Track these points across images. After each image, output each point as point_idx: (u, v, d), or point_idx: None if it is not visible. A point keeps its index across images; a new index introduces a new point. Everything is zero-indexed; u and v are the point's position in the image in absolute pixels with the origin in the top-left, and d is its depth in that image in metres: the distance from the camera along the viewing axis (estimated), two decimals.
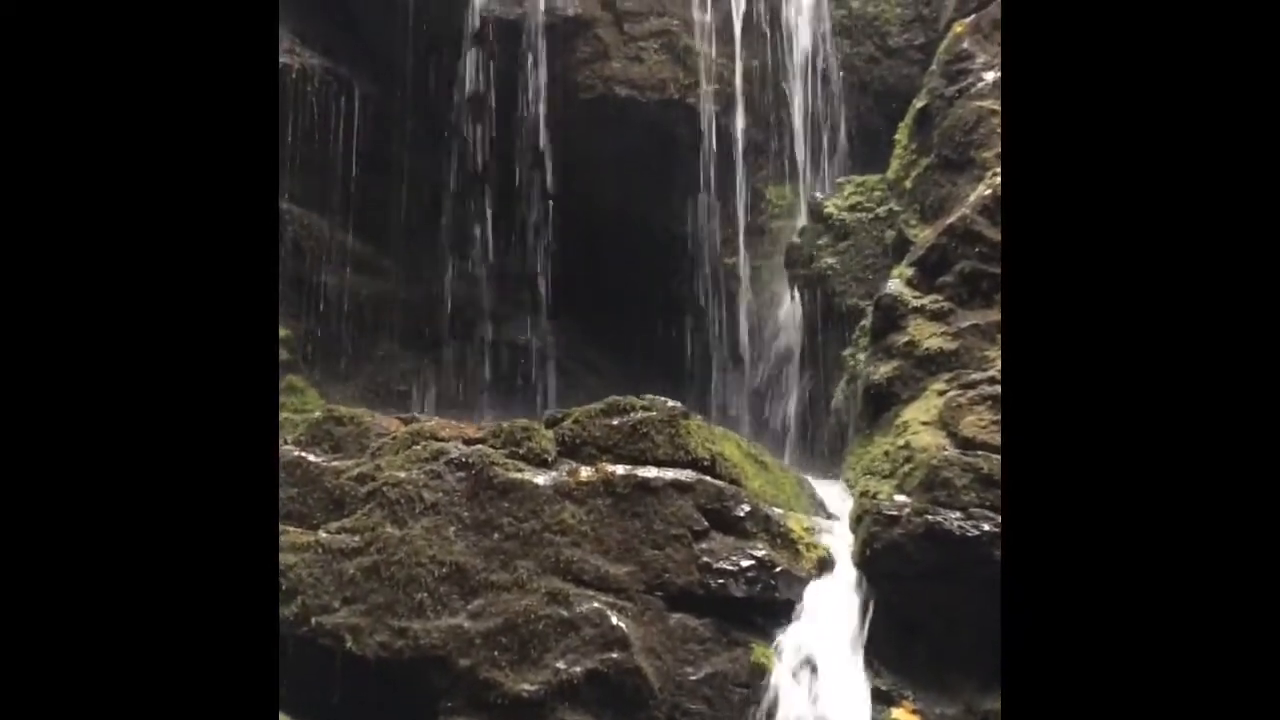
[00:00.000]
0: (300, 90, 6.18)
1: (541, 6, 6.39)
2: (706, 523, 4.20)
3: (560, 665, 3.91)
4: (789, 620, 4.12)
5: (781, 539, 4.26)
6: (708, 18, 6.43)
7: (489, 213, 6.49)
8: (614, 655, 3.93)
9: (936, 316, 4.72)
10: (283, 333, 6.02)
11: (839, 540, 4.40)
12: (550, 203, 6.47)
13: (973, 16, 5.40)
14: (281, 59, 6.15)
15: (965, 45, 5.31)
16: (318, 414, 4.65)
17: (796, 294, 5.96)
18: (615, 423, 4.42)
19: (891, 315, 4.83)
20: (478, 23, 6.37)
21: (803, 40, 6.46)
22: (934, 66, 5.52)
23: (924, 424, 4.44)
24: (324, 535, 4.21)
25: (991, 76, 5.11)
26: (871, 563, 4.18)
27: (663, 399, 4.48)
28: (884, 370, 4.76)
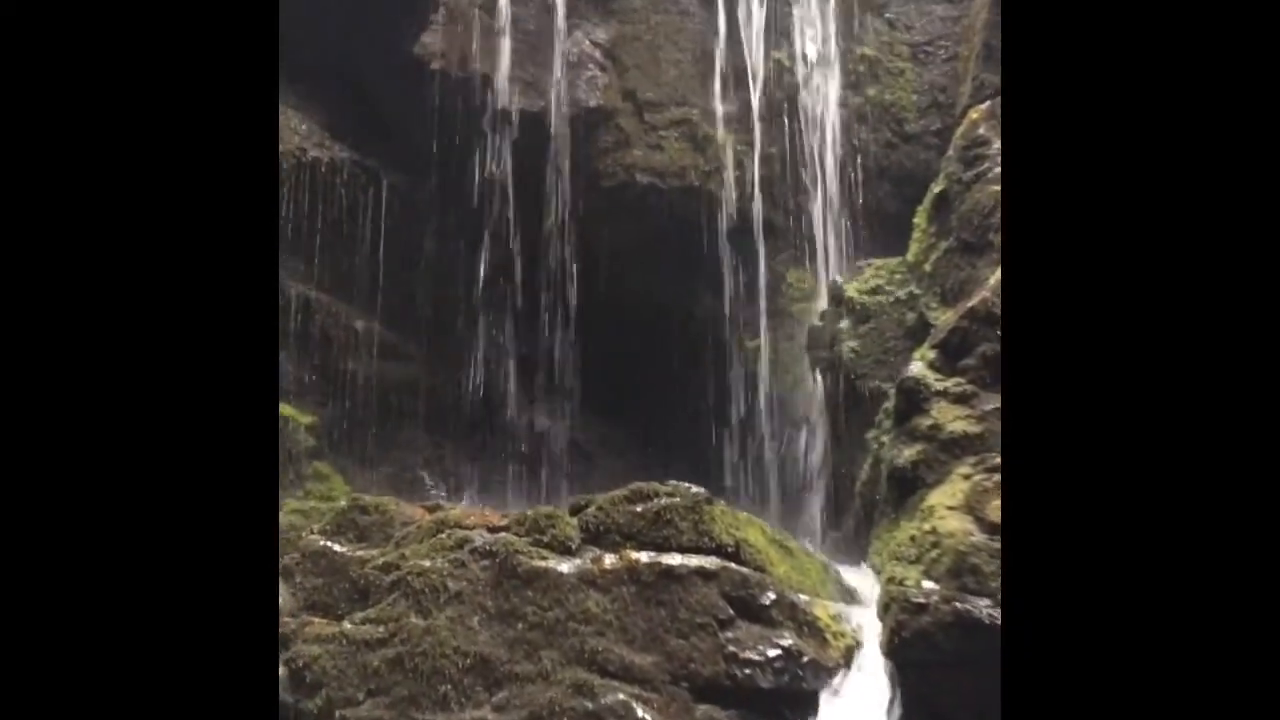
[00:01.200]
0: (330, 182, 6.33)
1: (564, 98, 6.55)
2: (732, 611, 4.16)
3: None
4: (815, 711, 4.06)
5: (808, 627, 4.21)
6: (727, 107, 6.56)
7: (513, 298, 6.57)
8: None
9: (960, 399, 4.72)
10: (309, 419, 6.10)
11: (867, 628, 4.35)
12: (573, 288, 6.55)
13: (988, 103, 5.48)
14: (312, 152, 6.33)
15: (981, 131, 5.39)
16: (343, 503, 4.67)
17: (818, 376, 5.97)
18: (639, 509, 4.41)
19: (914, 398, 4.83)
20: (502, 114, 6.52)
21: (820, 127, 6.57)
22: (951, 152, 5.60)
23: (950, 509, 4.41)
24: (349, 626, 4.20)
25: None
26: (900, 651, 4.12)
27: (686, 485, 4.48)
28: (908, 454, 4.74)
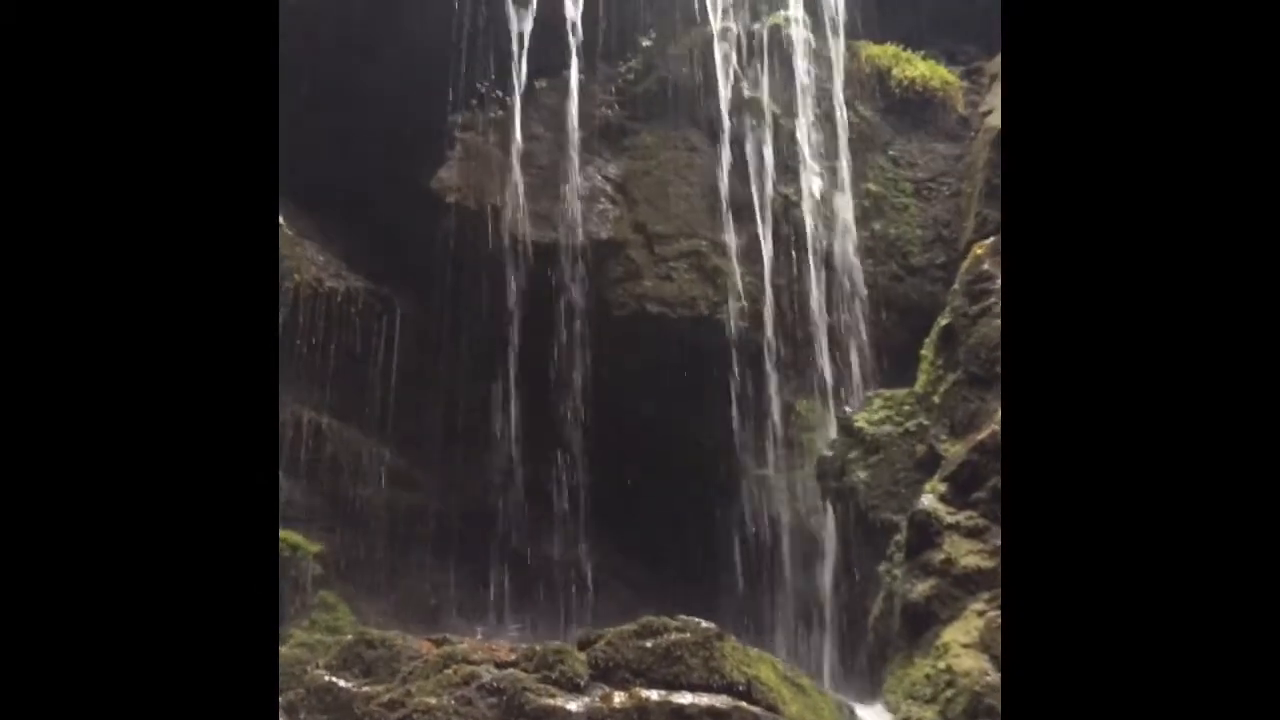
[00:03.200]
0: (345, 311, 6.45)
1: (576, 230, 6.70)
2: None
3: None
4: None
5: None
6: (735, 239, 6.70)
7: (524, 426, 6.61)
8: None
9: (972, 534, 4.70)
10: (316, 548, 6.07)
11: None
12: (584, 416, 6.59)
13: (991, 239, 5.59)
14: (328, 282, 6.46)
15: (986, 266, 5.48)
16: (349, 637, 4.62)
17: (829, 507, 5.95)
18: (649, 644, 4.35)
19: (926, 532, 4.81)
20: (516, 245, 6.67)
21: (827, 259, 6.70)
22: (956, 286, 5.68)
23: (965, 646, 4.35)
24: None
25: None
26: None
27: (696, 620, 4.43)
28: (921, 589, 4.70)
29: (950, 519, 4.76)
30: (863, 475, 5.73)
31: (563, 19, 7.00)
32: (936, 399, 5.54)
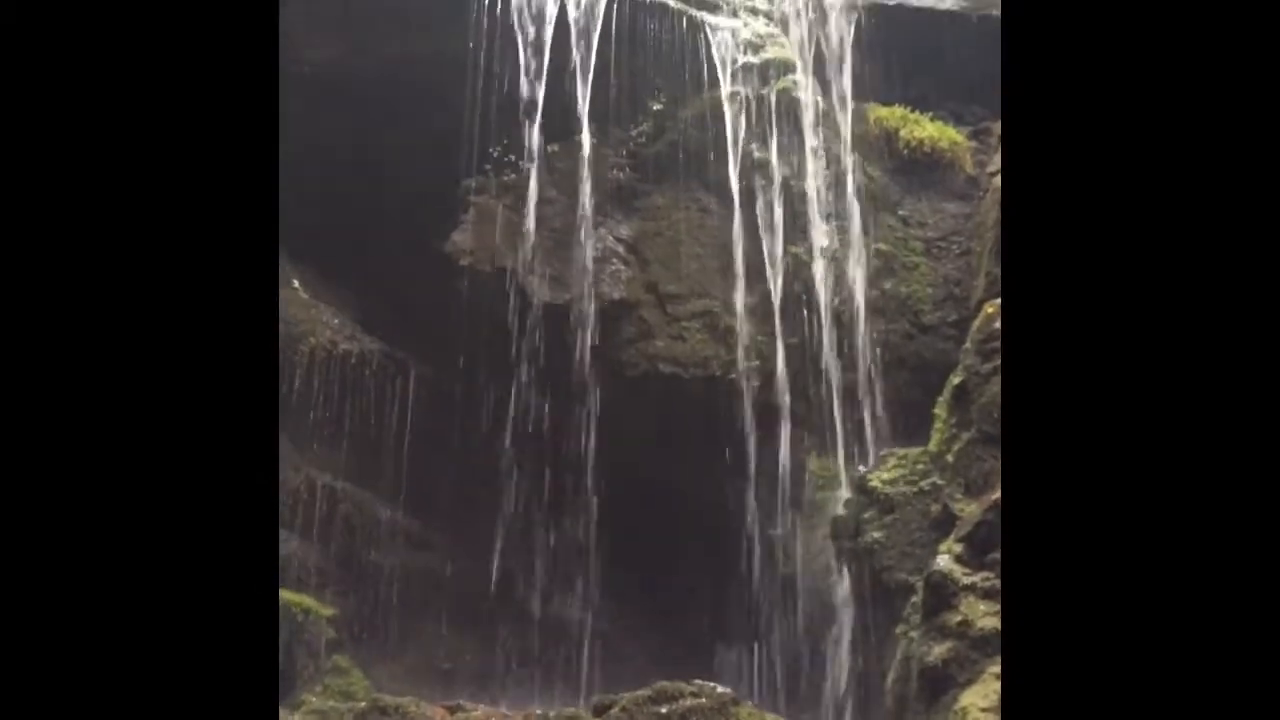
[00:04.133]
0: (359, 374, 6.49)
1: (589, 291, 6.75)
2: None
3: None
4: None
5: None
6: (747, 299, 6.73)
7: (537, 488, 6.60)
8: None
9: (988, 595, 4.66)
10: (329, 611, 6.05)
11: None
12: (597, 477, 6.58)
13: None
14: (343, 345, 6.51)
15: (997, 325, 5.49)
16: (363, 703, 4.60)
17: (844, 567, 5.91)
18: (664, 710, 4.32)
19: (942, 593, 4.77)
20: (528, 307, 6.72)
21: (838, 318, 6.72)
22: (968, 344, 5.69)
23: (983, 710, 4.30)
24: None
25: None
26: None
27: (711, 685, 4.40)
28: (938, 651, 4.66)
29: (966, 580, 4.73)
30: (878, 535, 5.69)
31: (574, 84, 7.10)
32: (950, 458, 5.53)
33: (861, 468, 6.06)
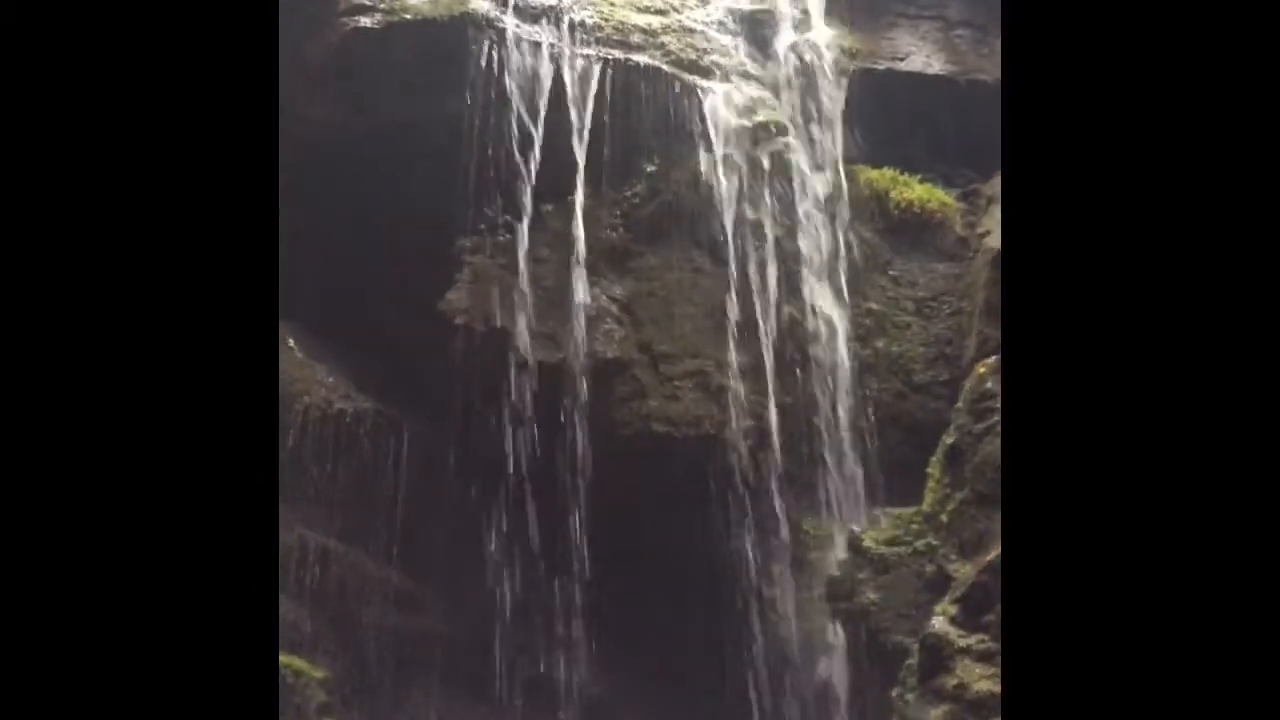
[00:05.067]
0: (354, 433, 6.49)
1: (582, 350, 6.78)
2: None
3: None
4: None
5: None
6: (740, 358, 6.77)
7: (531, 548, 6.58)
8: None
9: (984, 657, 4.65)
10: (321, 674, 5.99)
11: None
12: (590, 537, 6.56)
13: (994, 358, 5.65)
14: (337, 404, 6.52)
15: (989, 385, 5.53)
16: None
17: (839, 628, 5.89)
18: None
19: (938, 656, 4.76)
20: (523, 366, 6.74)
21: (832, 377, 6.76)
22: (960, 404, 5.72)
23: None
24: None
25: None
26: None
27: None
28: (934, 715, 4.64)
29: (962, 642, 4.72)
30: (873, 596, 5.68)
31: (569, 145, 7.20)
32: (944, 518, 5.53)
33: (855, 528, 6.06)
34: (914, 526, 5.78)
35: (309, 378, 6.64)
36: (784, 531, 6.43)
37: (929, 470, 5.81)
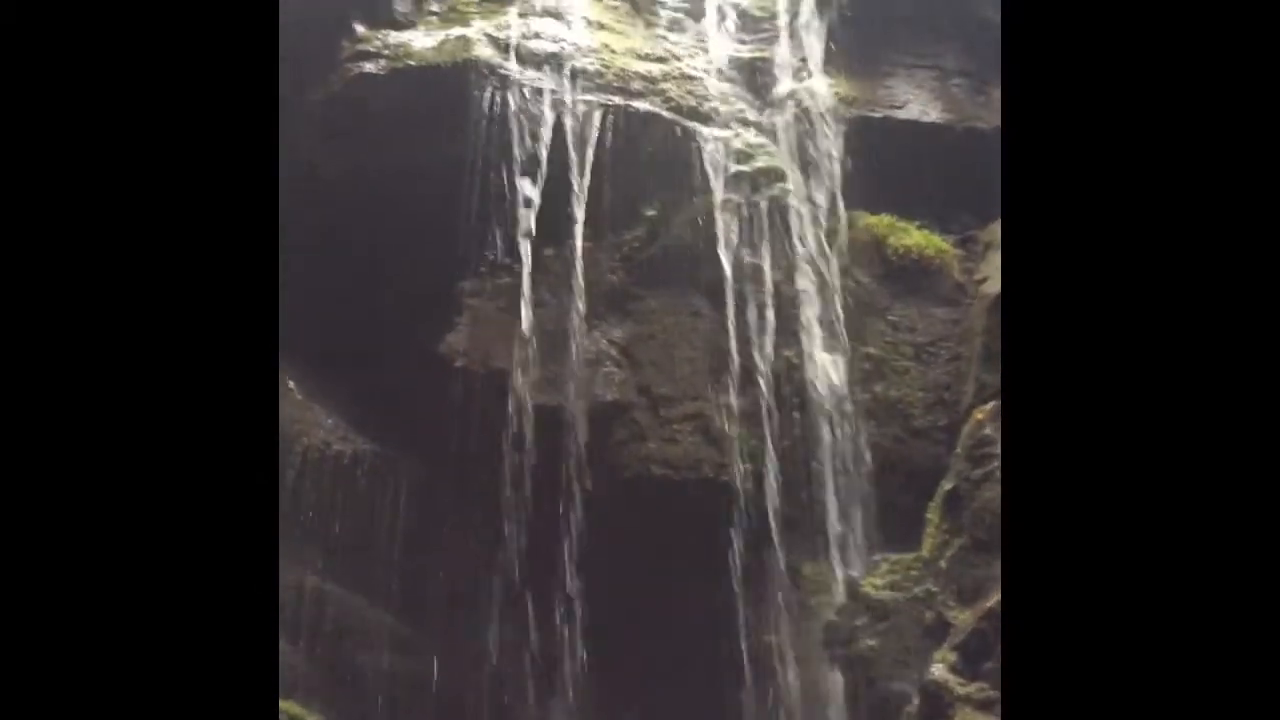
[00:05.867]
0: (352, 474, 6.48)
1: (582, 394, 6.80)
2: None
3: None
4: None
5: None
6: (739, 402, 6.79)
7: (528, 591, 6.55)
8: None
9: (984, 706, 4.63)
10: (316, 718, 5.94)
11: None
12: (588, 580, 6.54)
13: (991, 404, 5.67)
14: (335, 446, 6.51)
15: (987, 431, 5.55)
16: None
17: (838, 674, 5.85)
18: None
19: (938, 704, 4.74)
20: (522, 409, 6.75)
21: (830, 421, 6.77)
22: (959, 450, 5.74)
23: None
24: None
25: None
26: None
27: None
28: None
29: (961, 690, 4.70)
30: (872, 643, 5.66)
31: (569, 190, 7.26)
32: (943, 564, 5.53)
33: (853, 573, 6.04)
34: (913, 572, 5.77)
35: (307, 419, 6.64)
36: (782, 576, 6.40)
37: (928, 516, 5.81)
